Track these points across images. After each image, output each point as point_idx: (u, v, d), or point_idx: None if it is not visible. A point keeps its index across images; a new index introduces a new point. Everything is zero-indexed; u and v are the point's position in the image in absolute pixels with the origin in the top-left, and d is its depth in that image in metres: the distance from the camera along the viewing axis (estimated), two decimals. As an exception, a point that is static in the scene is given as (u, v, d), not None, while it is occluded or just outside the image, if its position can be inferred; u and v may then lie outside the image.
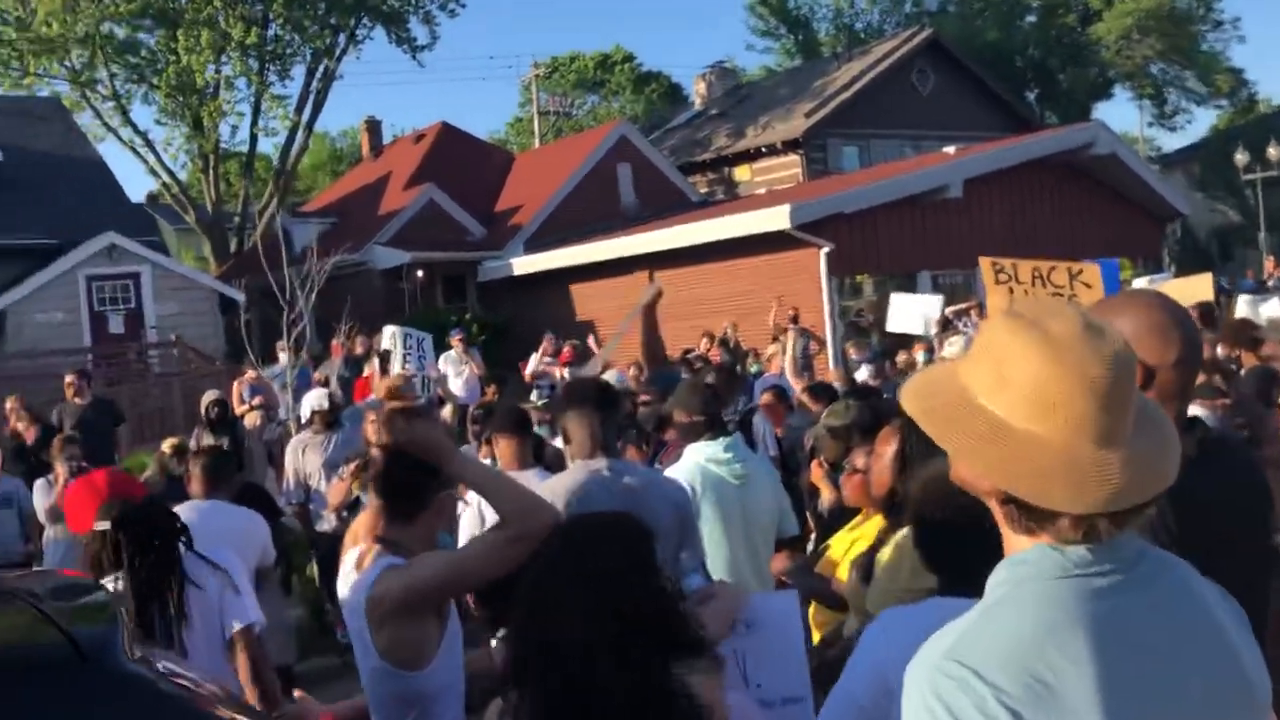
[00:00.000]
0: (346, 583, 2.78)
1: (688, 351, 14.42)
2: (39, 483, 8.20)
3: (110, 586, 2.88)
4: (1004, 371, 1.38)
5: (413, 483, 2.69)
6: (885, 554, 3.12)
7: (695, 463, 4.68)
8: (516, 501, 2.51)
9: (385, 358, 12.09)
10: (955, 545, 2.23)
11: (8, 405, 9.88)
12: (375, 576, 2.57)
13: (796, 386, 8.24)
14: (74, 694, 1.71)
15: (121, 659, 1.78)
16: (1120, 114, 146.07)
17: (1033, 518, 1.37)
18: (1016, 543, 1.41)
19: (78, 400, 10.52)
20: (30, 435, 9.66)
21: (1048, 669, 1.29)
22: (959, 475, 1.46)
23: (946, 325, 13.50)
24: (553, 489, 3.57)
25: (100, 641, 1.79)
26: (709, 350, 14.98)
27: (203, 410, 10.07)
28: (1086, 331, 1.38)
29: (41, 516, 8.03)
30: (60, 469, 8.04)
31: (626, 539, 2.09)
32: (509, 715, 1.96)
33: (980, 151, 21.09)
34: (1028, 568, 1.38)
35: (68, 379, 10.76)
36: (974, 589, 1.48)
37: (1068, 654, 1.30)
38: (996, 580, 1.41)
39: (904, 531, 3.12)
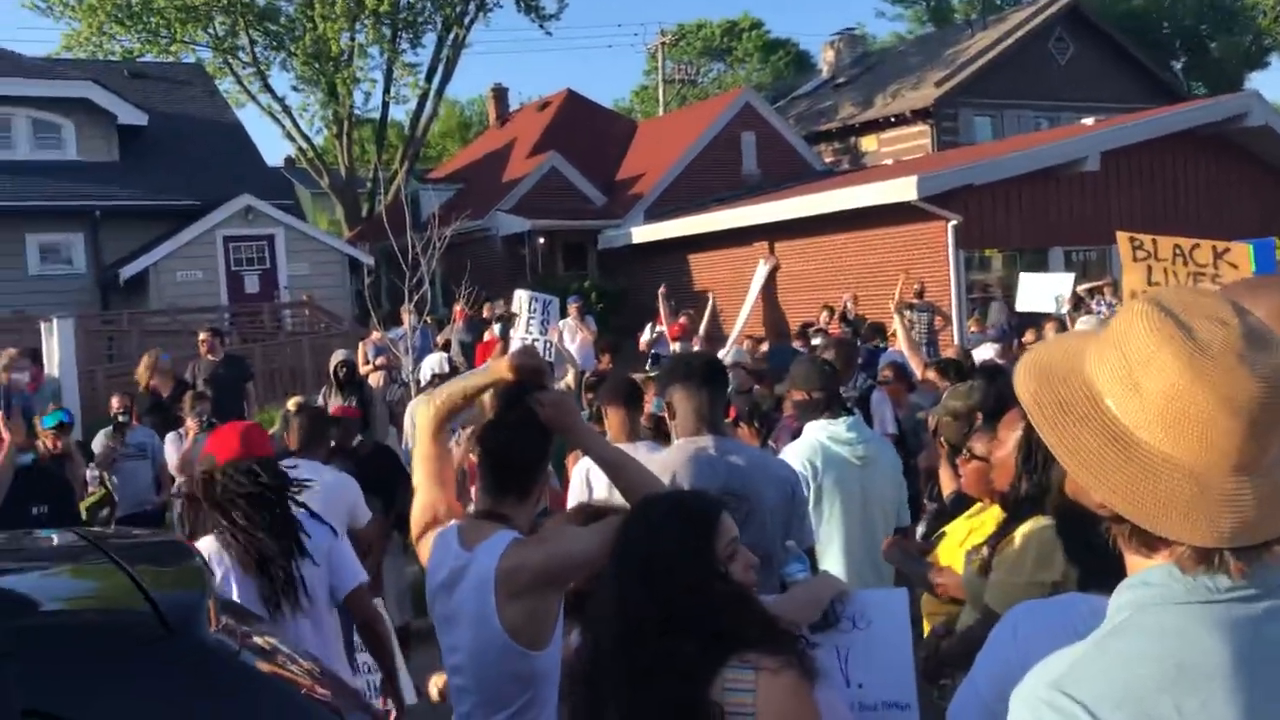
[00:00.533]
0: (448, 558, 2.59)
1: (806, 325, 14.18)
2: (170, 436, 8.54)
3: (209, 544, 2.91)
4: (1137, 376, 1.19)
5: (532, 457, 2.63)
6: (1008, 545, 2.99)
7: (815, 441, 4.54)
8: (640, 484, 2.46)
9: (508, 323, 12.20)
10: (1101, 539, 2.11)
11: (143, 362, 10.28)
12: (504, 549, 2.46)
13: (914, 364, 7.98)
14: (156, 664, 1.71)
15: (205, 630, 1.77)
16: (1275, 84, 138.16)
17: (1146, 541, 1.21)
18: (1135, 560, 1.25)
19: (210, 357, 10.90)
20: (165, 390, 10.03)
21: (1173, 712, 1.12)
22: (1071, 488, 1.30)
23: (1079, 303, 12.98)
24: (656, 465, 3.50)
25: (186, 611, 1.78)
26: (829, 324, 14.71)
27: (330, 370, 10.32)
28: (1243, 340, 1.18)
29: (172, 468, 8.36)
30: (191, 423, 8.35)
31: (685, 522, 2.01)
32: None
33: (1120, 123, 20.16)
34: (1152, 591, 1.20)
35: (201, 337, 11.18)
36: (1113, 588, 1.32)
37: (1197, 696, 1.12)
38: (1117, 604, 1.24)
39: (1030, 524, 2.99)
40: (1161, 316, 1.21)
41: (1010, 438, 3.00)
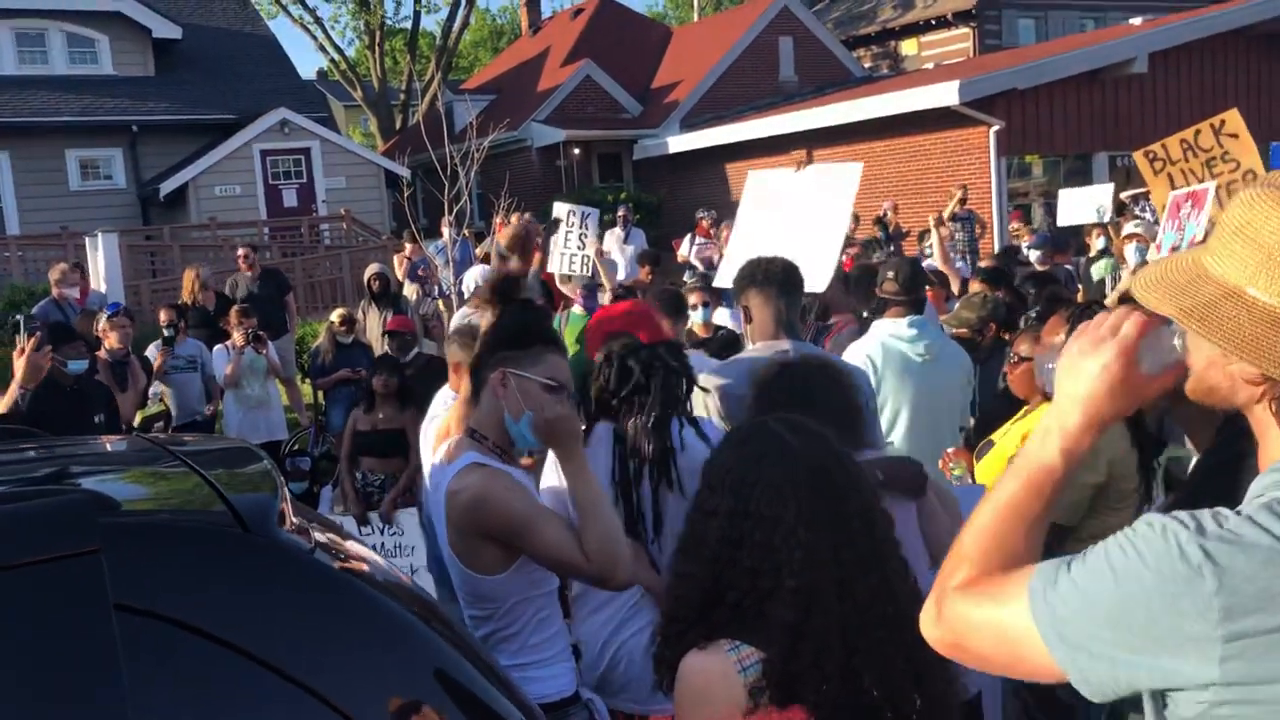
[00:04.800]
0: (434, 469, 2.72)
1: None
2: (218, 349, 8.71)
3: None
4: (1275, 252, 1.20)
5: (478, 356, 2.61)
6: None
7: (877, 339, 4.58)
8: (603, 542, 2.39)
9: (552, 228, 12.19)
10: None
11: (186, 277, 10.42)
12: (456, 470, 2.52)
13: (948, 273, 8.02)
14: (236, 561, 1.79)
15: (279, 529, 1.85)
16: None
17: None
18: (1279, 449, 1.24)
19: (249, 272, 11.03)
20: (209, 304, 10.18)
21: None
22: (1209, 381, 1.30)
23: (1122, 209, 12.77)
24: (737, 368, 3.50)
25: (261, 510, 1.86)
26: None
27: (365, 282, 10.41)
28: None
29: (221, 381, 8.53)
30: (238, 336, 8.51)
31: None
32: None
33: (1169, 22, 19.56)
34: None
35: (240, 252, 11.31)
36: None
37: None
38: (1267, 483, 1.23)
39: None
40: (1278, 193, 1.21)
41: (1055, 340, 3.04)
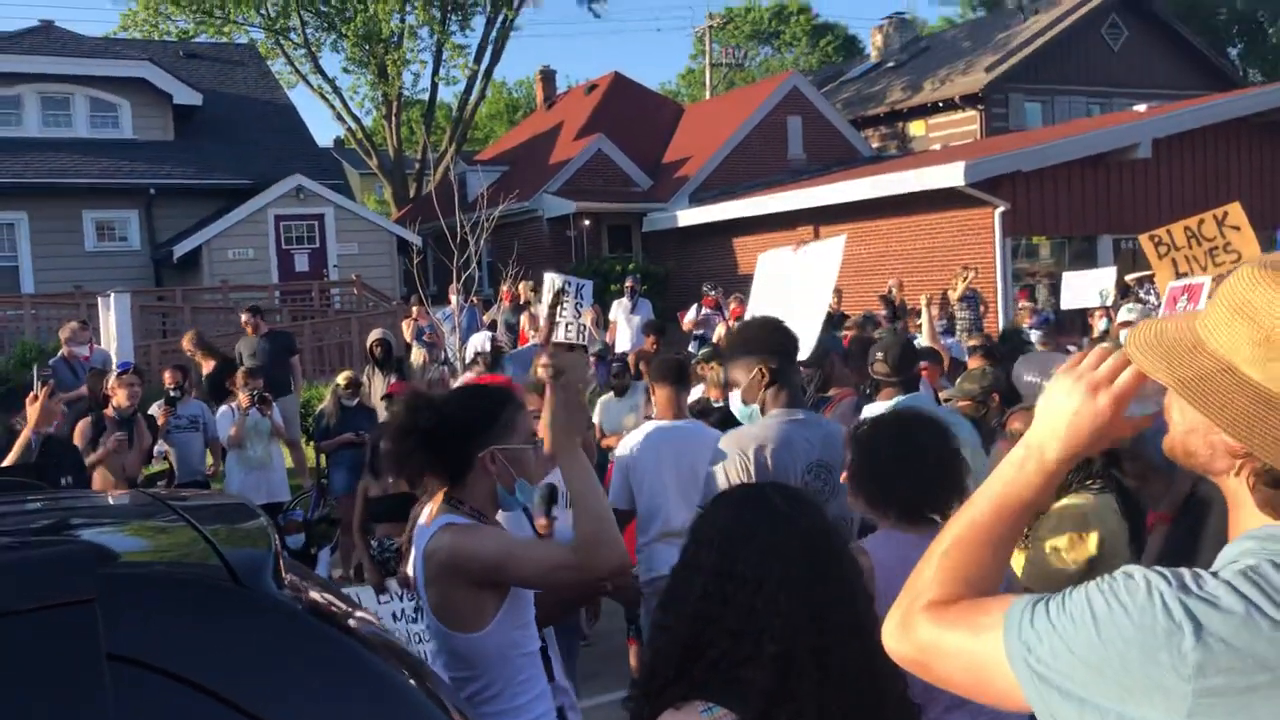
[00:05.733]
0: (418, 530, 2.79)
1: (843, 317, 14.18)
2: (223, 409, 8.76)
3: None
4: (1274, 332, 1.21)
5: (439, 454, 2.66)
6: (1043, 520, 3.06)
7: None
8: (595, 527, 2.42)
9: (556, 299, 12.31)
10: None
11: (186, 339, 10.55)
12: (432, 532, 2.59)
13: (939, 350, 8.16)
14: (228, 615, 1.82)
15: (272, 584, 1.88)
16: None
17: None
18: (1257, 518, 1.26)
19: (253, 335, 11.14)
20: (208, 367, 10.26)
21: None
22: (1188, 445, 1.32)
23: (1126, 292, 12.87)
24: (754, 434, 3.51)
25: (254, 565, 1.89)
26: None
27: (368, 348, 10.50)
28: None
29: (224, 441, 8.58)
30: (243, 397, 8.57)
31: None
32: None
33: (1173, 109, 19.85)
34: None
35: (244, 318, 11.38)
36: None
37: None
38: (1239, 550, 1.24)
39: (1066, 499, 3.06)
40: (1276, 273, 1.24)
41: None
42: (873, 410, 4.58)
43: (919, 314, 13.89)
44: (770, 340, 3.66)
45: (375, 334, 10.68)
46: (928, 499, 2.55)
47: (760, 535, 1.92)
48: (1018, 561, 3.14)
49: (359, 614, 2.20)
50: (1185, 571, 1.22)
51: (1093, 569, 3.15)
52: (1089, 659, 1.20)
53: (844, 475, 2.78)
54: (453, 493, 2.69)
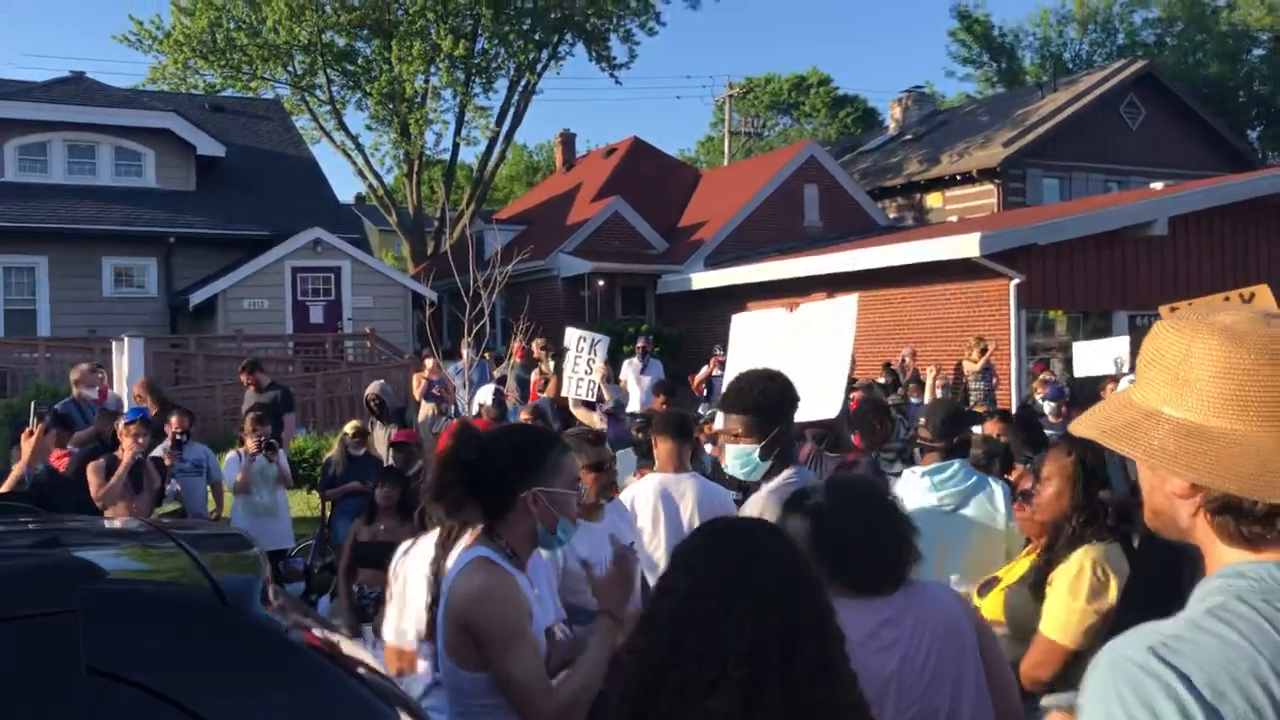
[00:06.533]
0: (447, 563, 2.82)
1: (850, 382, 14.17)
2: (230, 455, 8.76)
3: None
4: (1182, 374, 1.30)
5: (481, 491, 2.68)
6: (1063, 567, 3.07)
7: (902, 488, 4.45)
8: (578, 695, 2.49)
9: (560, 358, 12.35)
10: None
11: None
12: (465, 563, 2.59)
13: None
14: (213, 634, 1.79)
15: (259, 607, 1.86)
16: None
17: (1250, 521, 1.26)
18: (1226, 557, 1.30)
19: (252, 389, 11.06)
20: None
21: (1264, 695, 1.16)
22: (1154, 505, 1.37)
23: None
24: (762, 498, 3.49)
25: (242, 589, 1.87)
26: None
27: (365, 401, 10.50)
28: (1259, 317, 1.29)
29: (230, 487, 8.56)
30: (250, 443, 8.56)
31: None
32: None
33: (1190, 188, 19.94)
34: (1245, 583, 1.25)
35: (243, 378, 11.24)
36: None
37: None
38: (1208, 589, 1.28)
39: (1087, 549, 3.14)
40: (1180, 322, 1.33)
41: (1053, 471, 3.11)
42: (912, 474, 4.51)
43: (922, 383, 13.95)
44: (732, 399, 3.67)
45: (372, 387, 10.71)
46: (884, 567, 2.50)
47: (734, 563, 1.93)
48: (1045, 609, 3.13)
49: (347, 645, 2.16)
50: (1143, 630, 1.24)
51: (1108, 619, 3.11)
52: None
53: None
54: (492, 528, 2.69)
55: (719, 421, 6.71)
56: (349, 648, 2.13)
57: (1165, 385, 1.32)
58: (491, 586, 2.52)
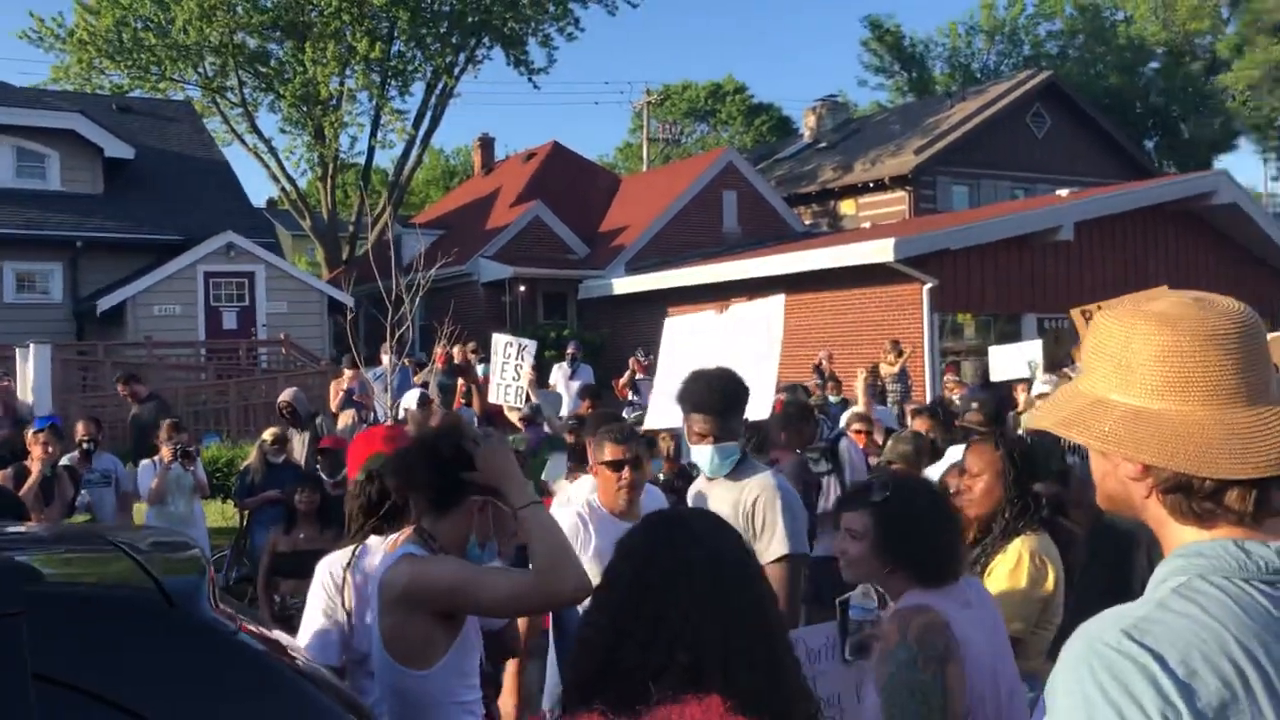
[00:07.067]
0: (376, 561, 2.81)
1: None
2: (144, 463, 8.55)
3: None
4: (1125, 359, 1.34)
5: (440, 480, 2.69)
6: (1000, 557, 3.18)
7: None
8: (552, 557, 2.42)
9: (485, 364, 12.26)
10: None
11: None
12: (393, 560, 2.59)
13: (872, 418, 8.38)
14: (161, 635, 1.77)
15: (206, 608, 1.84)
16: (1244, 167, 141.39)
17: (1200, 498, 1.30)
18: (1181, 535, 1.33)
19: (130, 400, 10.96)
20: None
21: (1234, 671, 1.19)
22: (1107, 490, 1.40)
23: (1054, 367, 13.18)
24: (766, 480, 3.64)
25: (187, 589, 1.85)
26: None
27: (277, 409, 10.36)
28: (1194, 302, 1.34)
29: (144, 497, 8.35)
30: (165, 452, 8.37)
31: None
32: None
33: (1095, 194, 20.60)
34: (1205, 561, 1.28)
35: (119, 389, 11.15)
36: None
37: (1268, 659, 1.20)
38: (1169, 569, 1.32)
39: (1024, 539, 3.26)
40: (1118, 312, 1.38)
41: (983, 466, 3.19)
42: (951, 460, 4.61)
43: (840, 383, 14.25)
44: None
45: (285, 394, 10.55)
46: (950, 558, 2.59)
47: (672, 550, 1.98)
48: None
49: (290, 644, 2.15)
50: (1107, 615, 1.27)
51: (1046, 608, 3.23)
52: None
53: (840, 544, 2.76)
54: (427, 526, 2.68)
55: (649, 422, 6.77)
56: (294, 648, 2.12)
57: (1110, 373, 1.36)
58: (417, 567, 2.53)
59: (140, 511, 8.70)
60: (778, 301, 6.29)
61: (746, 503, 3.56)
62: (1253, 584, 1.25)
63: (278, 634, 2.12)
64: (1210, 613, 1.23)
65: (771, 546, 3.48)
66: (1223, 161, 44.34)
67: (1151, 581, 1.32)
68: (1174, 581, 1.28)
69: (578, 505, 3.89)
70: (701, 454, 3.70)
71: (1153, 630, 1.22)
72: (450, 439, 2.74)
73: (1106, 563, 2.34)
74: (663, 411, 6.40)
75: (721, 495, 3.60)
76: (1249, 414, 1.28)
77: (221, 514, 11.31)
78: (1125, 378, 1.34)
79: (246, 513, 8.89)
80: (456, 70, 32.28)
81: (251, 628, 2.03)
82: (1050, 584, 3.23)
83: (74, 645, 1.66)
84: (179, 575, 1.98)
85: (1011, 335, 17.99)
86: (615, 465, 3.71)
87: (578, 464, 5.99)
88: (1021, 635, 3.11)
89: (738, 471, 3.70)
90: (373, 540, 3.10)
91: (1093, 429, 1.36)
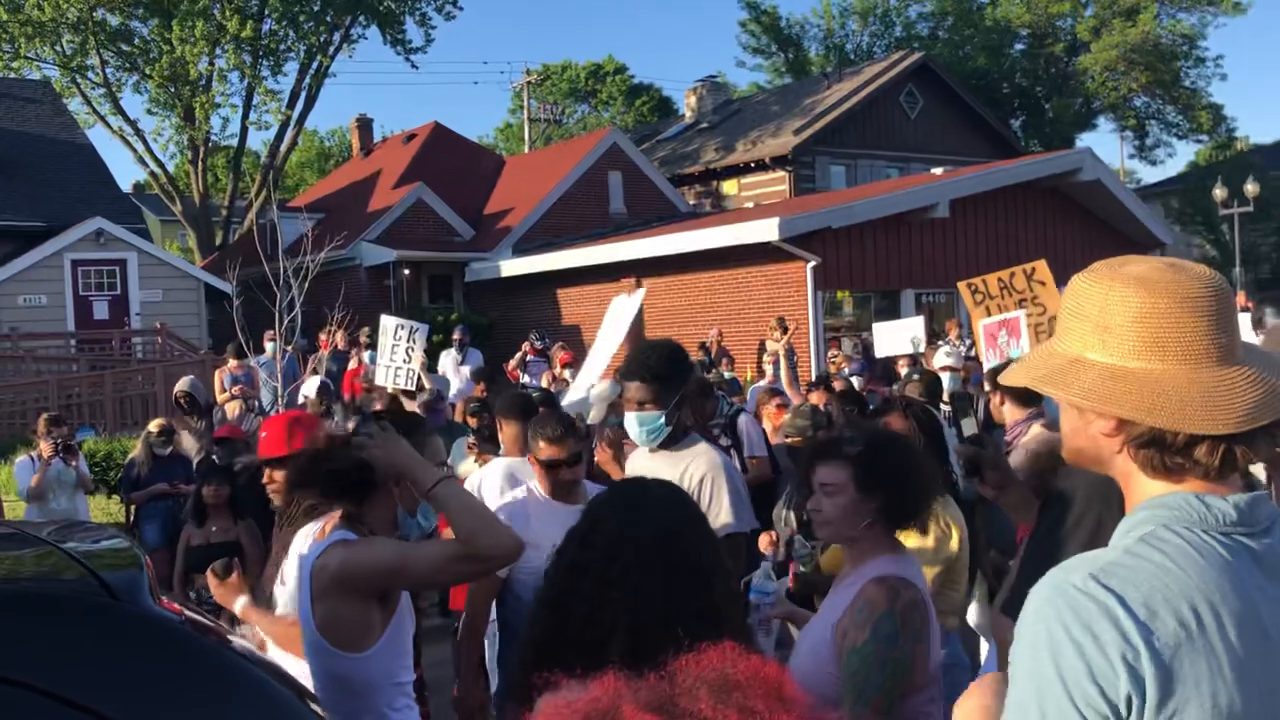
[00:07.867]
0: (304, 549, 2.80)
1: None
2: (22, 459, 8.22)
3: None
4: (1103, 321, 1.40)
5: (344, 480, 2.69)
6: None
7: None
8: (473, 522, 2.44)
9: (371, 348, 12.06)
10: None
11: None
12: (324, 547, 2.60)
13: (791, 396, 8.43)
14: (106, 630, 1.75)
15: (149, 600, 1.82)
16: (1103, 145, 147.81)
17: (1172, 452, 1.37)
18: (1148, 489, 1.41)
19: None
20: None
21: (1191, 614, 1.27)
22: (1076, 444, 1.47)
23: (934, 338, 13.61)
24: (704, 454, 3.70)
25: (129, 583, 1.82)
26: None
27: (174, 399, 10.06)
28: (1168, 266, 1.41)
29: (23, 495, 8.03)
30: (45, 446, 8.06)
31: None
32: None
33: (968, 173, 21.28)
34: (1170, 512, 1.36)
35: None
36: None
37: (1223, 605, 1.28)
38: (1135, 520, 1.39)
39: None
40: (1097, 275, 1.44)
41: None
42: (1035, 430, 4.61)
43: (733, 359, 14.51)
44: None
45: (181, 383, 10.24)
46: (923, 505, 2.61)
47: (621, 515, 2.08)
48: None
49: (233, 633, 2.13)
50: (1074, 563, 1.34)
51: (950, 570, 3.37)
52: (1062, 686, 1.28)
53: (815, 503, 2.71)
54: (352, 514, 2.69)
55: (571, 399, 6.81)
56: (237, 637, 2.11)
57: (1088, 334, 1.42)
58: (349, 550, 2.54)
59: (17, 510, 8.36)
60: (636, 296, 6.52)
61: (693, 477, 3.57)
62: (1212, 535, 1.34)
63: (222, 624, 2.10)
64: (1173, 559, 1.31)
65: (717, 521, 3.49)
66: (1084, 140, 46.18)
67: (1118, 531, 1.40)
68: (1140, 530, 1.37)
69: (520, 490, 3.84)
70: (630, 422, 3.74)
71: (1118, 573, 1.30)
72: (341, 454, 2.72)
73: (1046, 527, 2.45)
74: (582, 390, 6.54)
75: (662, 469, 3.58)
76: (1220, 373, 1.36)
77: (104, 510, 10.94)
78: (1103, 338, 1.41)
79: (133, 507, 8.61)
80: (331, 49, 31.52)
81: (195, 618, 2.01)
82: (954, 544, 3.37)
83: (22, 642, 1.62)
84: (118, 570, 1.95)
85: (889, 311, 18.50)
86: (551, 465, 3.61)
87: (484, 447, 5.97)
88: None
89: (679, 444, 3.73)
90: (305, 527, 3.07)
91: (1071, 386, 1.42)
